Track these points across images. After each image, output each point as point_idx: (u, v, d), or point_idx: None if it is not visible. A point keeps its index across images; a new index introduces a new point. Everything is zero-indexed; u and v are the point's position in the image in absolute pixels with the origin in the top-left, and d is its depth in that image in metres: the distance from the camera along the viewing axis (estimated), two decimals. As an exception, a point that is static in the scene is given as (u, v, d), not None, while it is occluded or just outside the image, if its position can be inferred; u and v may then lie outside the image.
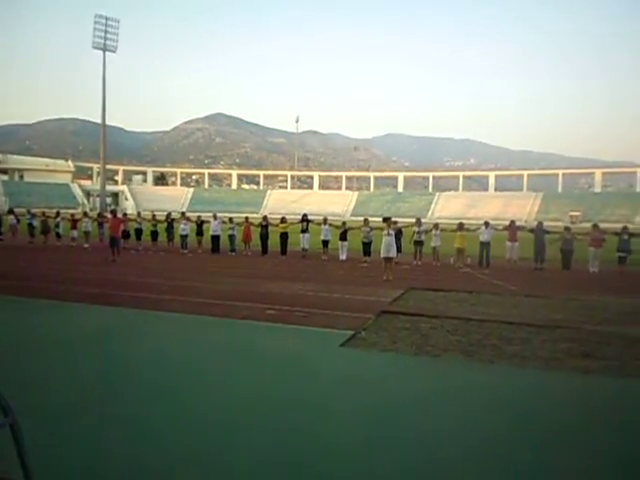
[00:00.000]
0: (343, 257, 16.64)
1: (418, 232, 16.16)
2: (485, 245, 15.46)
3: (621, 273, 14.06)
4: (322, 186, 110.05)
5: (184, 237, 18.76)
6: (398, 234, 15.72)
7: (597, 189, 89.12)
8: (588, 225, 20.68)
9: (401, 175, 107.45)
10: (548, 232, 15.48)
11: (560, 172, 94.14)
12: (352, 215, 79.05)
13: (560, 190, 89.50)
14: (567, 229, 15.57)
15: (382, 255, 12.18)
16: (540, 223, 16.25)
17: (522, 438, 3.60)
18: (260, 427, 3.65)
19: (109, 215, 18.07)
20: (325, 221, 17.63)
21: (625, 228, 15.03)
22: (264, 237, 18.12)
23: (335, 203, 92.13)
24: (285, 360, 5.39)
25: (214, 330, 6.73)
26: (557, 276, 13.82)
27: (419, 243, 16.07)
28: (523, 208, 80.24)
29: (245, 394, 4.33)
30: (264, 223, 18.35)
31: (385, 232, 12.27)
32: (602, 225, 18.57)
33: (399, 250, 15.58)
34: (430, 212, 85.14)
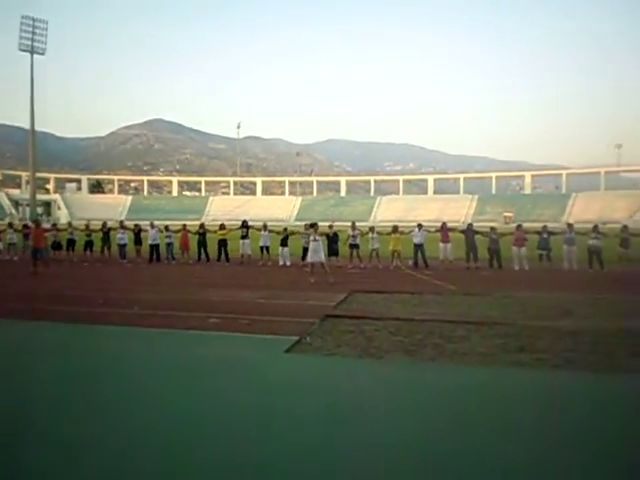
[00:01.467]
0: (286, 263, 16.64)
1: (353, 236, 16.47)
2: (419, 247, 15.92)
3: (544, 270, 14.85)
4: (265, 192, 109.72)
5: (122, 247, 18.11)
6: (334, 238, 16.03)
7: (527, 191, 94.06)
8: (522, 225, 21.73)
9: (343, 180, 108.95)
10: (478, 232, 16.17)
11: (493, 175, 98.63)
12: (296, 220, 79.16)
13: (494, 192, 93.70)
14: (492, 229, 16.28)
15: (308, 260, 12.42)
16: (470, 224, 16.97)
17: (465, 433, 3.70)
18: (205, 439, 3.56)
19: (32, 225, 17.18)
20: (265, 227, 17.60)
21: (544, 227, 15.96)
22: (202, 244, 17.88)
23: (279, 208, 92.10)
24: (230, 369, 5.30)
25: (153, 343, 6.51)
26: (490, 274, 14.40)
27: (354, 246, 16.36)
28: (460, 210, 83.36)
29: (189, 406, 4.21)
30: (201, 230, 18.17)
31: (312, 238, 12.43)
32: (532, 225, 19.65)
33: (336, 254, 15.93)
34: (372, 216, 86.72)
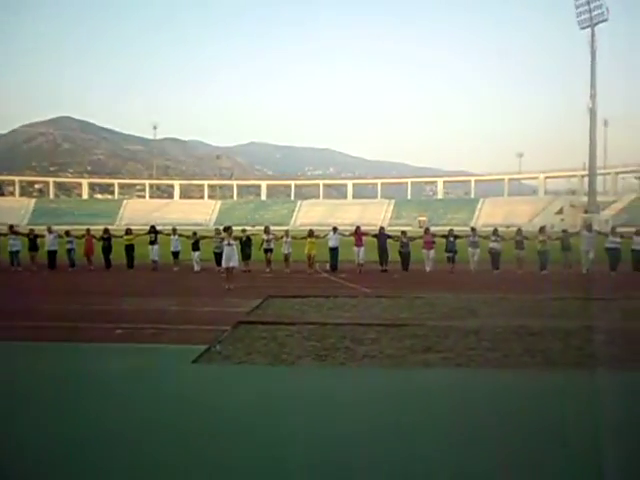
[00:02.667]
0: (197, 268, 16.18)
1: (267, 240, 16.38)
2: (333, 250, 16.13)
3: (451, 271, 15.60)
4: (183, 195, 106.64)
5: (14, 253, 16.62)
6: (247, 242, 15.91)
7: (440, 196, 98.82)
8: (435, 228, 22.73)
9: (264, 184, 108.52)
10: (390, 237, 16.67)
11: (409, 181, 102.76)
12: (215, 224, 77.60)
13: (409, 197, 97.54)
14: (403, 233, 16.86)
15: (223, 265, 12.21)
16: (382, 228, 17.48)
17: (370, 436, 3.72)
18: (108, 457, 3.29)
19: None
20: (174, 231, 17.02)
21: (451, 231, 16.79)
22: (106, 250, 16.97)
23: (198, 212, 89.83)
24: (133, 383, 5.00)
25: (51, 357, 6.00)
26: (402, 277, 14.88)
27: (268, 251, 16.29)
28: (378, 214, 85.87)
29: (90, 423, 3.89)
30: (105, 236, 17.27)
31: (225, 242, 12.20)
32: (444, 228, 20.58)
33: (249, 257, 15.82)
34: (293, 219, 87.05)
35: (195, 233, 17.33)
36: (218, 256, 15.97)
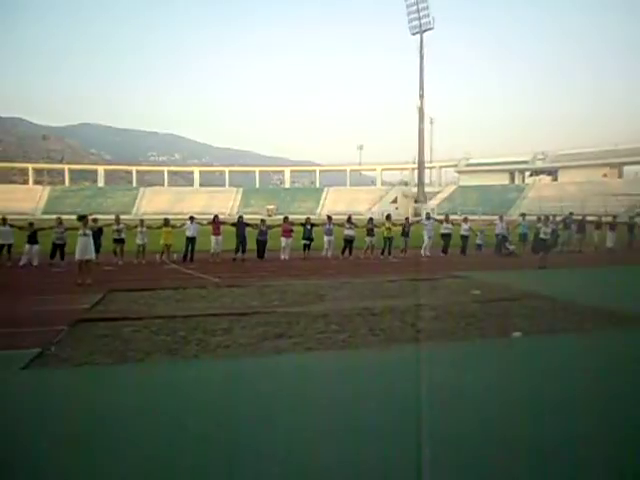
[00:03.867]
0: (34, 262, 14.39)
1: (117, 230, 15.26)
2: (191, 240, 15.65)
3: (305, 258, 16.21)
4: (3, 179, 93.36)
5: None
6: (98, 233, 14.56)
7: (287, 185, 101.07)
8: (281, 217, 23.17)
9: (101, 169, 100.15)
10: (248, 225, 16.68)
11: (257, 169, 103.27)
12: (44, 213, 69.70)
13: (257, 186, 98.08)
14: (262, 221, 17.05)
15: (77, 257, 10.99)
16: (241, 217, 17.39)
17: (227, 425, 3.70)
18: None
19: None
20: (4, 221, 14.92)
21: (308, 219, 17.44)
22: None
23: (21, 200, 79.34)
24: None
25: None
26: (256, 265, 14.99)
27: (120, 241, 15.20)
28: (226, 202, 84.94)
29: None
30: None
31: (81, 232, 11.11)
32: (292, 217, 21.17)
33: (98, 250, 14.51)
34: (135, 208, 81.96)
35: (31, 223, 15.39)
36: (58, 248, 14.45)
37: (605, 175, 69.78)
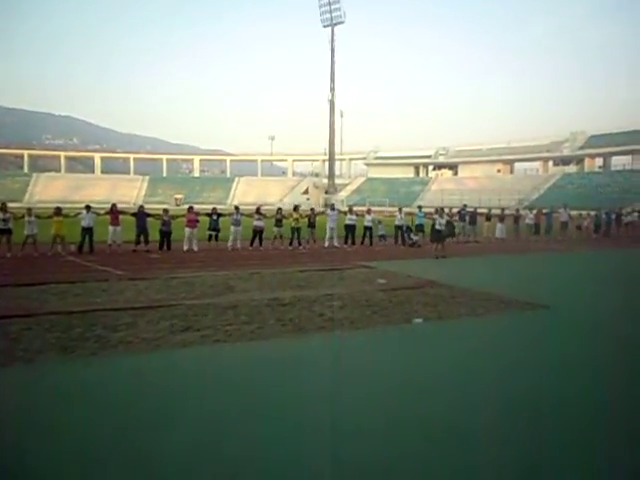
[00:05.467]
0: None
1: (3, 219, 13.92)
2: (87, 230, 14.70)
3: (211, 249, 15.81)
4: None
5: None
6: None
7: (196, 174, 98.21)
8: (193, 207, 22.43)
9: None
10: (149, 215, 15.99)
11: (164, 157, 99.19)
12: None
13: (165, 174, 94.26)
14: (165, 211, 16.41)
15: None
16: (142, 206, 16.64)
17: (120, 425, 3.55)
18: None
19: None
20: None
21: (214, 209, 17.06)
22: None
23: None
24: None
25: None
26: (160, 257, 14.37)
27: (6, 231, 13.89)
28: (131, 191, 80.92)
29: None
30: None
31: None
32: (201, 206, 20.63)
33: None
34: (27, 195, 75.68)
35: None
36: None
37: (499, 171, 75.31)
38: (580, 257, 16.54)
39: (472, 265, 14.09)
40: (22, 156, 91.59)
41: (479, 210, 23.71)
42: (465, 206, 22.51)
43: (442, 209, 17.35)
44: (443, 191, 64.87)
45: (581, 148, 68.98)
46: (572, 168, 69.17)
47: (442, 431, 3.56)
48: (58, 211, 14.77)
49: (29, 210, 14.84)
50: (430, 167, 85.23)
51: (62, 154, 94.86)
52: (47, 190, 77.07)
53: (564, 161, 71.05)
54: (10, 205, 15.23)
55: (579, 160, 69.34)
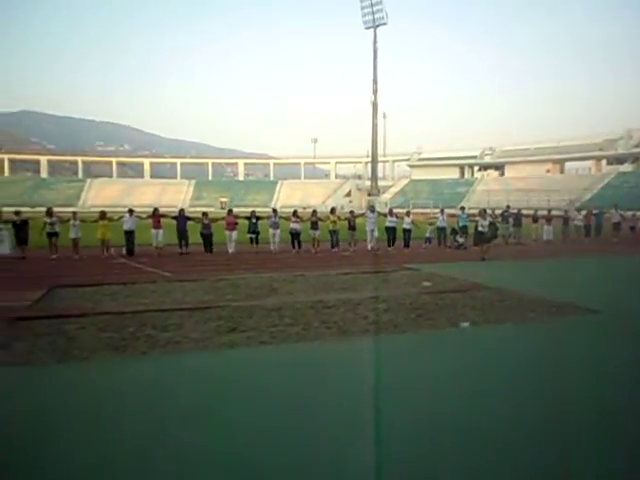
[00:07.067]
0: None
1: (50, 223, 14.57)
2: (129, 233, 15.20)
3: (254, 252, 15.97)
4: None
5: None
6: (24, 225, 14.01)
7: (241, 177, 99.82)
8: (237, 209, 22.84)
9: (44, 159, 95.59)
10: (190, 218, 16.38)
11: (210, 161, 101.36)
12: (-19, 205, 65.76)
13: (210, 178, 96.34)
14: (205, 215, 16.75)
15: None
16: (182, 210, 17.08)
17: (177, 425, 3.61)
18: None
19: None
20: None
21: (253, 212, 17.24)
22: None
23: (-46, 191, 74.68)
24: None
25: None
26: (204, 259, 14.70)
27: (53, 234, 14.55)
28: (178, 195, 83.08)
29: None
30: None
31: None
32: (245, 209, 20.91)
33: (25, 242, 14.05)
34: (82, 200, 78.95)
35: None
36: None
37: (548, 171, 72.79)
38: (633, 260, 15.74)
39: (518, 268, 13.65)
40: (77, 162, 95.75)
41: (525, 211, 23.00)
42: (508, 207, 21.88)
43: (485, 210, 16.89)
44: (489, 192, 63.26)
45: (637, 146, 65.72)
46: (627, 167, 66.02)
47: (508, 446, 3.42)
48: (103, 215, 15.37)
49: (74, 214, 15.50)
50: (476, 168, 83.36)
51: (114, 160, 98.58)
52: (100, 195, 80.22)
53: (619, 159, 67.91)
54: (66, 210, 15.95)
55: (635, 158, 66.12)
